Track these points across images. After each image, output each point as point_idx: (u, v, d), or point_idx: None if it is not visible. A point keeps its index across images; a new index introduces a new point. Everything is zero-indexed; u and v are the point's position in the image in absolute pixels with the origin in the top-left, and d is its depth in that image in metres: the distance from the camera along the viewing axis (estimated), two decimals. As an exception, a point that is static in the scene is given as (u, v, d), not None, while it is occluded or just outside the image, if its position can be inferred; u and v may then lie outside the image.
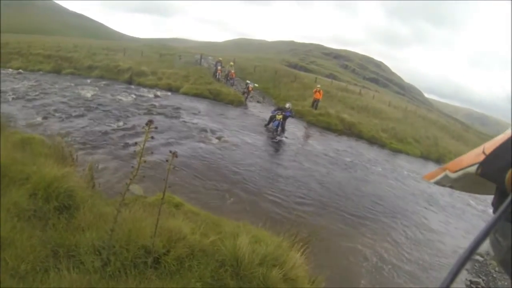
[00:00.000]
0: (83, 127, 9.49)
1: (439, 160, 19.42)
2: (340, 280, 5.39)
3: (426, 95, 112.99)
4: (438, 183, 0.89)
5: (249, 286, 3.42)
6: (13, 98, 12.69)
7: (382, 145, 18.10)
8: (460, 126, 40.99)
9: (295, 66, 57.04)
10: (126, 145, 8.49)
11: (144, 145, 2.98)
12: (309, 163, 10.73)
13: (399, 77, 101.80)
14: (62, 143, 6.28)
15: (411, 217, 8.86)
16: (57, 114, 10.75)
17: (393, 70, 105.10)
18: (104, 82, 19.86)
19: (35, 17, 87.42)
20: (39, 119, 10.14)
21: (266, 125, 14.33)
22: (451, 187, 0.87)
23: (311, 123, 18.38)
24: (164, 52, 34.13)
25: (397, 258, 6.56)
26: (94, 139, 8.59)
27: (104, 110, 12.09)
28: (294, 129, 15.34)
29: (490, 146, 0.72)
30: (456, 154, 20.55)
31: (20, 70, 22.27)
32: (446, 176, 0.85)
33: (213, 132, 11.59)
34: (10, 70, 22.21)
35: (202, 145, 9.90)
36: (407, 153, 18.27)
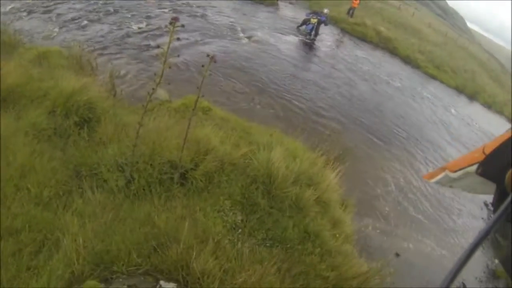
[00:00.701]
0: (102, 33, 8.85)
1: (472, 96, 17.75)
2: (367, 206, 5.25)
3: (468, 24, 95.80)
4: (438, 182, 0.92)
5: (281, 206, 3.14)
6: (27, 13, 12.06)
7: (416, 66, 16.80)
8: (499, 67, 36.45)
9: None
10: (149, 47, 7.98)
11: (169, 46, 2.59)
12: (338, 72, 9.91)
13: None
14: (79, 52, 5.85)
15: (436, 150, 8.52)
16: (74, 22, 10.08)
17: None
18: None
19: None
20: (55, 29, 9.56)
21: (298, 27, 13.31)
22: (451, 186, 0.93)
23: (345, 31, 16.92)
24: None
25: (419, 191, 6.43)
26: (114, 44, 8.06)
27: (125, 12, 11.20)
28: (327, 36, 14.01)
29: (490, 146, 0.74)
30: (490, 94, 19.26)
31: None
32: (446, 176, 0.88)
33: (243, 31, 10.64)
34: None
35: (230, 45, 9.16)
36: (441, 81, 16.88)
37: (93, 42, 8.02)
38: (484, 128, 13.14)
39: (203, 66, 2.68)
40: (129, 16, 10.73)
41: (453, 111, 13.24)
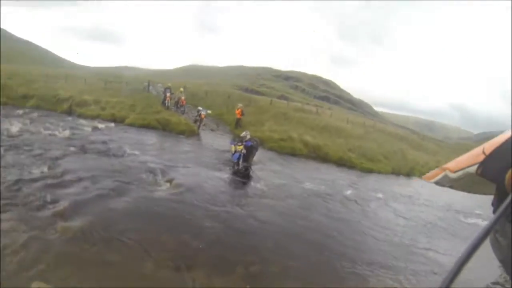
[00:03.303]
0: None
1: (409, 174, 18.98)
2: None
3: (375, 108, 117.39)
4: (438, 183, 0.91)
5: None
6: None
7: (352, 166, 17.33)
8: (416, 136, 40.41)
9: (246, 90, 56.77)
10: (45, 204, 6.49)
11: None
12: (279, 214, 8.56)
13: (348, 93, 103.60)
14: None
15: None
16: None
17: (342, 87, 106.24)
18: (38, 114, 17.49)
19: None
20: None
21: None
22: (451, 187, 0.88)
23: (273, 150, 17.19)
24: (111, 79, 32.13)
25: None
26: (2, 196, 6.54)
27: (28, 150, 9.97)
28: (254, 162, 13.81)
29: (490, 146, 0.73)
30: (423, 165, 20.65)
31: None
32: (446, 176, 0.86)
33: (163, 173, 9.79)
34: None
35: (148, 194, 8.04)
36: (379, 172, 17.59)
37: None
38: (430, 199, 13.16)
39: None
40: (33, 156, 9.51)
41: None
